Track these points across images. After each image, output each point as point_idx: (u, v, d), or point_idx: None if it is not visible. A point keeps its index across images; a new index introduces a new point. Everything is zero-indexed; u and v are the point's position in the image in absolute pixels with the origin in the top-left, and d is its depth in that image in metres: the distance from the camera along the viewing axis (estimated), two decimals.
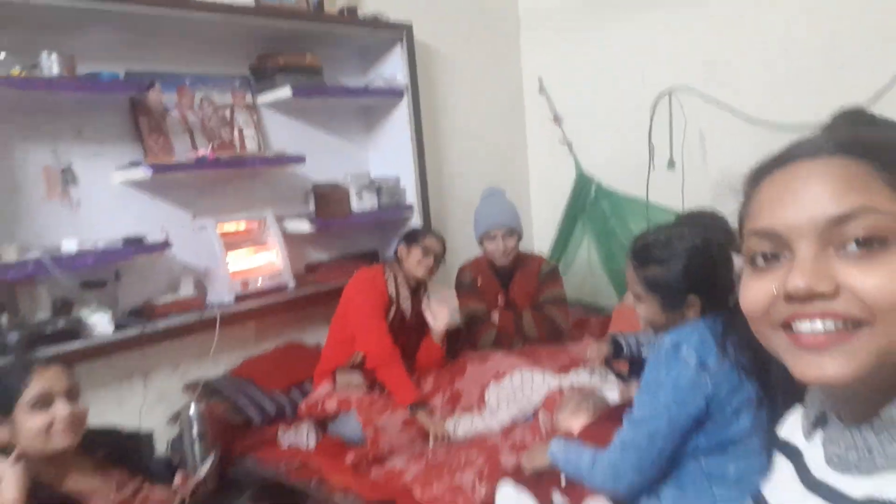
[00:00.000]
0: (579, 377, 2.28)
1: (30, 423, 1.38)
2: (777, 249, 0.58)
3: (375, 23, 2.74)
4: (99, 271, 2.13)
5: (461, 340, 2.71)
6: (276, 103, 2.62)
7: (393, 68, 2.92)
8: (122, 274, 2.21)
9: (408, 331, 2.50)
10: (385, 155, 3.04)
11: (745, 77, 2.83)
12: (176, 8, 2.16)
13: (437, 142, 3.19)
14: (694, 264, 1.43)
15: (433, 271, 2.52)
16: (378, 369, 2.30)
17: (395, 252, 2.56)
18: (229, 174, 2.51)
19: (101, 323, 2.05)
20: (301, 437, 2.29)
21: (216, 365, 2.45)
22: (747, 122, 2.77)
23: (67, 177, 2.11)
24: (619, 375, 2.29)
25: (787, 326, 0.57)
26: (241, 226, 2.52)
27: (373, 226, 3.06)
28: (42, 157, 2.08)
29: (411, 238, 2.52)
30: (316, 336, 2.75)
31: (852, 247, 0.54)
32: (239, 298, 2.39)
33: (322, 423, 2.34)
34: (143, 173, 2.14)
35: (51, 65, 1.93)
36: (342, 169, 2.88)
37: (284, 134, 2.71)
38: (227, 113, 2.49)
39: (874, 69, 2.46)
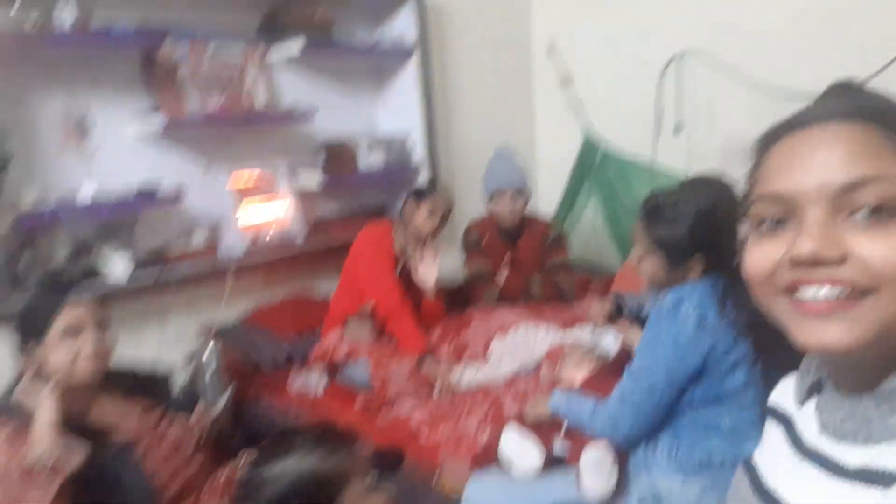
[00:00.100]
0: (582, 333, 2.35)
1: (59, 351, 1.44)
2: (785, 215, 0.58)
3: None
4: (116, 218, 2.17)
5: (464, 298, 2.77)
6: (287, 58, 2.63)
7: (403, 26, 2.91)
8: (137, 222, 2.26)
9: (414, 286, 2.56)
10: (394, 112, 3.05)
11: (755, 43, 2.82)
12: None
13: (445, 100, 3.20)
14: (700, 226, 1.47)
15: (440, 228, 2.57)
16: (388, 320, 2.37)
17: (402, 208, 2.60)
18: (240, 128, 2.53)
19: (117, 268, 2.11)
20: (311, 382, 2.38)
21: (228, 312, 2.52)
22: (756, 88, 2.78)
23: (83, 126, 2.13)
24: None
25: (790, 292, 0.57)
26: (253, 179, 2.55)
27: (381, 182, 3.09)
28: (58, 105, 2.11)
29: (418, 195, 2.55)
30: (324, 287, 2.82)
31: (862, 214, 0.54)
32: (250, 250, 2.45)
33: (331, 371, 2.42)
34: (156, 125, 2.17)
35: (65, 16, 1.93)
36: (351, 125, 2.90)
37: (294, 89, 2.72)
38: (238, 68, 2.50)
39: (887, 38, 2.45)
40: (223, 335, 2.41)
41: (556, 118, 3.62)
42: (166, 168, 2.34)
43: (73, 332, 1.46)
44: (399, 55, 2.90)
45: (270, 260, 2.51)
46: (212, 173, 2.44)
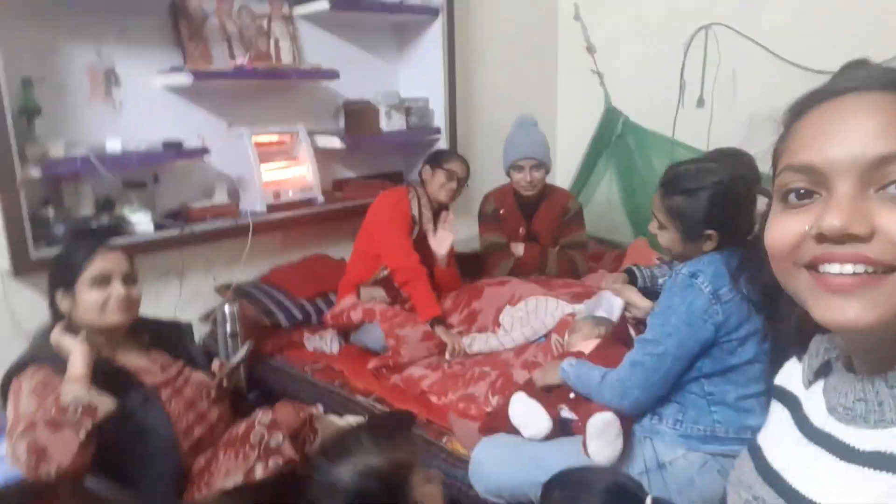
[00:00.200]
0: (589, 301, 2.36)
1: (88, 298, 1.50)
2: (813, 186, 0.56)
3: None
4: (139, 173, 2.21)
5: (478, 267, 2.79)
6: (312, 15, 2.62)
7: None
8: (161, 177, 2.30)
9: (428, 252, 2.57)
10: (415, 75, 3.04)
11: (782, 18, 2.78)
12: None
13: (467, 65, 3.18)
14: (717, 199, 1.47)
15: (456, 195, 2.58)
16: (405, 285, 2.41)
17: (420, 174, 2.61)
18: (264, 85, 2.54)
19: (142, 222, 2.15)
20: (325, 342, 2.44)
21: (247, 270, 2.57)
22: (781, 64, 2.74)
23: (110, 78, 2.15)
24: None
25: (812, 267, 0.55)
26: (275, 137, 2.57)
27: (400, 146, 3.10)
28: (86, 57, 2.12)
29: (436, 160, 2.56)
30: (340, 250, 2.85)
31: (893, 189, 0.52)
32: (270, 208, 2.48)
33: (345, 332, 2.48)
34: (183, 79, 2.18)
35: None
36: (372, 87, 2.89)
37: (318, 48, 2.71)
38: (265, 23, 2.50)
39: None
40: (242, 292, 2.47)
41: (578, 88, 3.59)
42: (191, 124, 2.36)
43: (104, 280, 1.51)
44: (424, 15, 2.87)
45: (290, 218, 2.54)
46: (235, 130, 2.46)
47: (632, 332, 1.88)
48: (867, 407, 0.57)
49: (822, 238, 0.54)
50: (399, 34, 3.02)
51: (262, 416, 1.54)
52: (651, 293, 2.19)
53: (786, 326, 0.69)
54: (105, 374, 1.45)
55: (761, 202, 1.50)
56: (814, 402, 0.63)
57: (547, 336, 2.29)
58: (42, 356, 1.46)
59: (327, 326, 2.49)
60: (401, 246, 2.44)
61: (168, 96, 2.32)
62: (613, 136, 3.43)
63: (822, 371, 0.64)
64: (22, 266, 1.93)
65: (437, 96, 2.98)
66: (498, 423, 1.75)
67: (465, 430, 1.86)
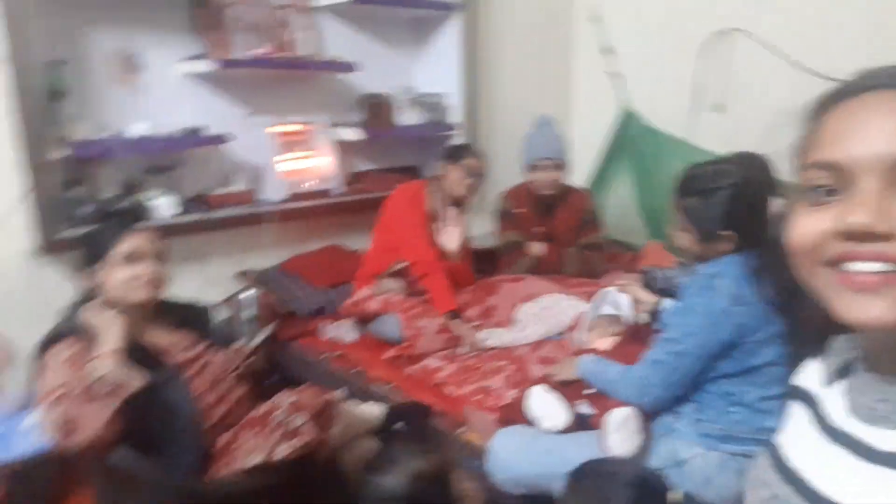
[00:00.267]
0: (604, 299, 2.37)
1: (117, 274, 1.53)
2: (837, 184, 0.55)
3: None
4: (161, 158, 2.23)
5: (494, 264, 2.80)
6: (332, 7, 2.64)
7: None
8: (182, 163, 2.32)
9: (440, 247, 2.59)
10: (432, 71, 3.06)
11: (801, 24, 2.77)
12: None
13: (483, 61, 3.18)
14: (732, 200, 1.48)
15: (473, 190, 2.59)
16: (422, 278, 2.43)
17: (438, 168, 2.63)
18: (284, 76, 2.56)
19: (164, 206, 2.17)
20: (342, 331, 2.45)
21: (265, 258, 2.59)
22: (799, 70, 2.75)
23: (135, 63, 2.17)
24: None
25: (834, 265, 0.55)
26: (294, 128, 2.59)
27: (415, 141, 3.11)
28: (113, 41, 2.15)
29: (453, 155, 2.56)
30: (357, 242, 2.87)
31: None
32: (288, 198, 2.50)
33: (361, 322, 2.49)
34: (205, 66, 2.21)
35: None
36: (389, 81, 2.91)
37: (337, 40, 2.73)
38: (285, 14, 2.52)
39: None
40: (260, 279, 2.49)
41: (594, 89, 3.59)
42: (212, 112, 2.38)
43: (134, 258, 1.54)
44: (443, 10, 2.89)
45: (307, 208, 2.56)
46: (255, 119, 2.48)
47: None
48: (890, 407, 0.57)
49: (846, 236, 0.53)
50: (417, 29, 3.04)
51: (285, 397, 1.56)
52: (667, 294, 2.21)
53: (804, 327, 0.69)
54: (132, 351, 1.47)
55: (775, 205, 1.51)
56: (834, 401, 0.63)
57: (563, 333, 2.31)
58: (76, 329, 1.49)
59: (344, 316, 2.50)
60: (419, 240, 2.46)
61: (190, 83, 2.35)
62: (629, 138, 3.44)
63: (843, 371, 0.64)
64: (49, 246, 1.96)
65: (453, 92, 3.00)
66: (515, 415, 1.76)
67: (482, 422, 1.87)
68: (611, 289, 2.08)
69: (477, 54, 3.03)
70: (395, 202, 2.54)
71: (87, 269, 1.56)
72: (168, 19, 2.26)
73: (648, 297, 1.98)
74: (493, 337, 2.35)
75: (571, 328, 2.28)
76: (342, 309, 2.51)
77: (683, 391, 1.53)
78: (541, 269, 2.67)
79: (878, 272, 0.52)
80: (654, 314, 1.93)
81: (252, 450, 1.50)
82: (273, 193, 2.47)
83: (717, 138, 3.00)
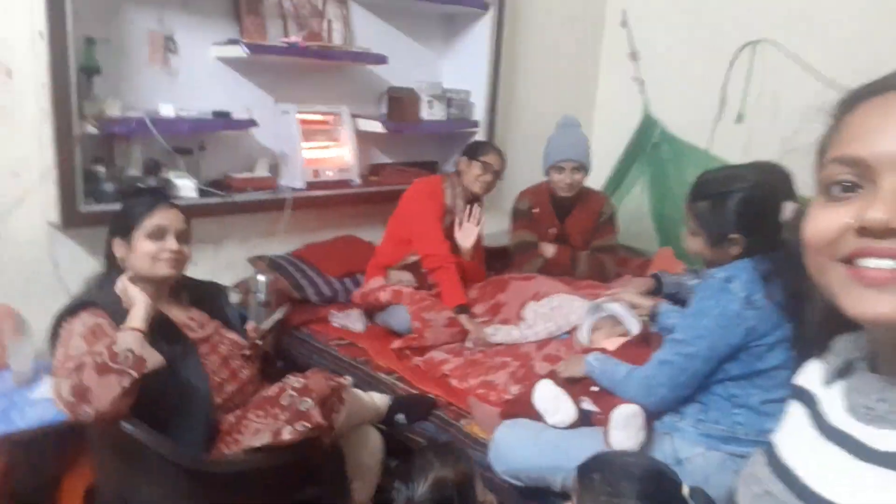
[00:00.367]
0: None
1: (142, 247, 1.57)
2: (859, 179, 0.55)
3: None
4: (187, 139, 2.27)
5: (506, 262, 2.82)
6: (367, 0, 2.67)
7: None
8: (207, 145, 2.36)
9: (454, 243, 2.59)
10: (459, 67, 3.08)
11: (829, 39, 2.76)
12: None
13: (511, 61, 3.20)
14: (741, 204, 1.49)
15: (490, 187, 2.61)
16: (434, 271, 2.45)
17: (456, 164, 2.65)
18: (313, 65, 2.59)
19: (186, 187, 2.21)
20: (351, 320, 2.48)
21: (279, 245, 2.63)
22: (824, 85, 2.73)
23: (169, 44, 2.22)
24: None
25: (848, 261, 0.55)
26: (319, 117, 2.62)
27: (437, 136, 3.14)
28: (148, 22, 2.19)
29: (472, 152, 2.59)
30: (371, 234, 2.90)
31: None
32: (309, 185, 2.53)
33: (370, 313, 2.52)
34: (238, 51, 2.24)
35: None
36: (416, 75, 2.94)
37: (368, 32, 2.76)
38: (320, 3, 2.56)
39: None
40: (274, 264, 2.52)
41: (617, 93, 3.60)
42: (240, 96, 2.43)
43: (160, 233, 1.58)
44: (475, 7, 2.91)
45: (327, 197, 2.59)
46: (281, 106, 2.52)
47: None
48: (889, 407, 0.56)
49: (863, 231, 0.53)
50: (447, 25, 3.07)
51: (293, 380, 1.59)
52: (677, 300, 2.22)
53: (811, 330, 0.69)
54: (153, 323, 1.50)
55: (788, 209, 1.51)
56: (832, 401, 0.63)
57: (570, 332, 2.32)
58: (97, 301, 1.52)
59: (354, 305, 2.53)
60: (433, 233, 2.48)
61: (221, 67, 2.39)
62: (649, 145, 3.44)
63: (844, 371, 0.64)
64: (70, 219, 2.01)
65: (478, 90, 3.02)
66: (518, 408, 1.78)
67: (485, 414, 1.89)
68: (602, 300, 2.09)
69: (505, 54, 3.05)
70: (412, 195, 2.56)
71: (114, 240, 1.60)
72: (206, 3, 2.31)
73: (645, 302, 1.99)
74: (501, 333, 2.36)
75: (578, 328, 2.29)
76: (352, 298, 2.55)
77: (689, 392, 1.55)
78: (552, 270, 2.68)
79: (891, 269, 0.52)
80: (652, 317, 1.94)
81: (259, 430, 1.54)
82: (293, 180, 2.51)
83: (737, 149, 3.00)
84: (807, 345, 0.71)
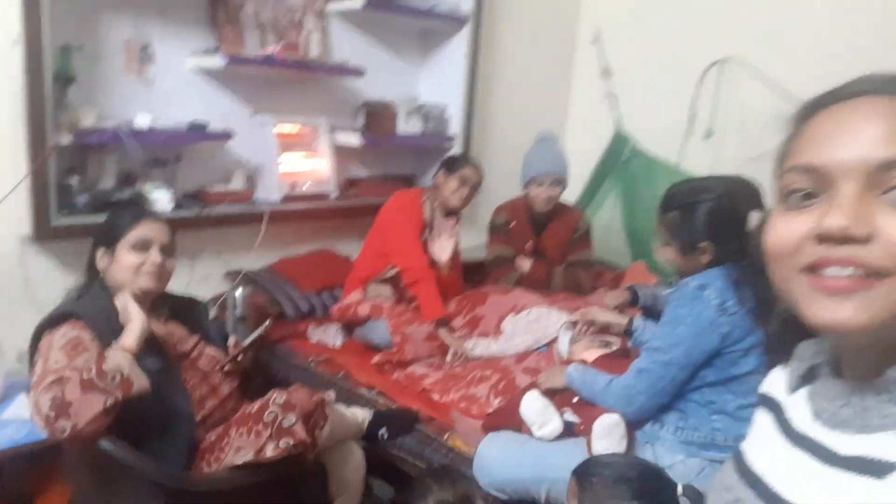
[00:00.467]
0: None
1: (125, 259, 1.54)
2: (816, 187, 0.56)
3: None
4: (162, 151, 2.24)
5: (483, 276, 2.83)
6: (345, 12, 2.67)
7: None
8: (183, 157, 2.32)
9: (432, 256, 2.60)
10: (435, 81, 3.10)
11: (797, 56, 2.84)
12: None
13: (486, 76, 3.23)
14: (711, 213, 1.54)
15: (468, 200, 2.63)
16: (412, 285, 2.45)
17: (434, 178, 2.66)
18: (290, 76, 2.58)
19: (161, 199, 2.17)
20: (329, 335, 2.46)
21: (256, 259, 2.59)
22: (792, 102, 2.82)
23: (146, 54, 2.18)
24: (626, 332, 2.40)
25: (810, 270, 0.55)
26: (296, 129, 2.61)
27: (414, 150, 3.15)
28: (125, 30, 2.15)
29: (450, 166, 2.59)
30: (348, 247, 2.88)
31: (894, 193, 0.53)
32: (285, 199, 2.51)
33: (348, 327, 2.50)
34: (217, 61, 2.23)
35: None
36: (393, 89, 2.95)
37: (345, 45, 2.76)
38: (298, 15, 2.55)
39: None
40: (250, 279, 2.49)
41: (590, 109, 3.66)
42: (217, 107, 2.40)
43: (144, 245, 1.55)
44: (451, 23, 2.94)
45: (303, 210, 2.57)
46: (258, 118, 2.50)
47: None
48: (852, 412, 0.57)
49: (822, 239, 0.54)
50: (424, 40, 3.09)
51: (276, 396, 1.57)
52: (653, 312, 2.26)
53: (772, 334, 0.71)
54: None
55: (753, 218, 1.56)
56: (798, 407, 0.64)
57: (548, 345, 2.34)
58: (78, 312, 1.48)
59: (332, 320, 2.51)
60: (411, 247, 2.48)
61: (198, 78, 2.36)
62: (620, 161, 3.50)
63: (808, 377, 0.65)
64: (43, 232, 1.95)
65: (454, 104, 3.04)
66: (501, 421, 1.79)
67: (468, 428, 1.89)
68: (575, 316, 2.14)
69: (480, 69, 3.08)
70: (390, 208, 2.56)
71: (98, 251, 1.57)
72: (182, 12, 2.28)
73: (618, 320, 2.02)
74: (480, 347, 2.37)
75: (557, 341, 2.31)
76: (331, 313, 2.52)
77: (668, 400, 1.58)
78: (528, 284, 2.70)
79: (850, 276, 0.53)
80: (628, 333, 1.97)
81: (241, 447, 1.51)
82: (269, 193, 2.48)
83: (706, 164, 3.08)
84: (778, 350, 0.71)
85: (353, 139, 2.73)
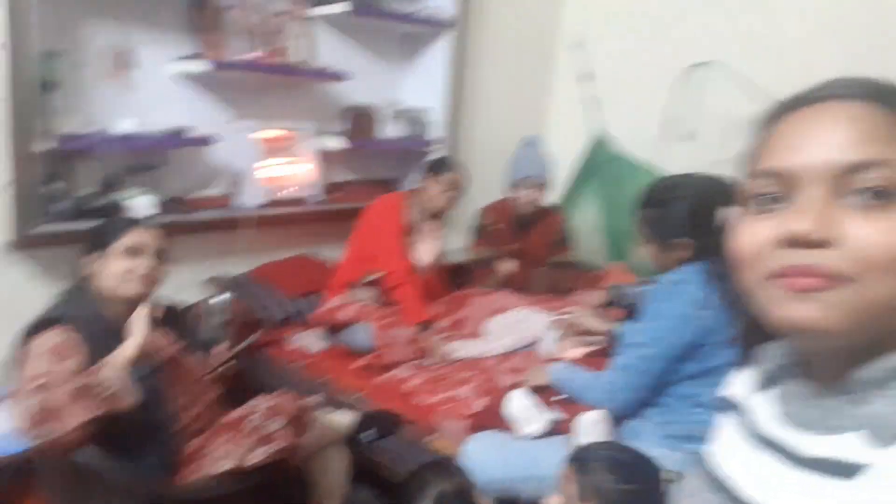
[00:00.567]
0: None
1: (115, 265, 1.53)
2: (782, 192, 0.56)
3: None
4: (144, 157, 2.23)
5: (466, 278, 2.85)
6: (328, 17, 2.68)
7: (439, 2, 2.97)
8: (164, 163, 2.32)
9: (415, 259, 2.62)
10: (417, 85, 3.12)
11: (778, 59, 2.87)
12: None
13: (468, 80, 3.25)
14: (686, 208, 1.56)
15: (451, 204, 2.65)
16: (395, 288, 2.46)
17: (419, 181, 2.67)
18: (274, 81, 2.58)
19: (143, 205, 2.17)
20: (310, 341, 2.46)
21: (237, 264, 2.59)
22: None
23: (128, 59, 2.18)
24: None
25: (775, 274, 0.55)
26: (279, 134, 2.61)
27: (397, 153, 3.16)
28: (108, 36, 2.14)
29: (435, 169, 2.61)
30: (330, 251, 2.88)
31: (860, 197, 0.52)
32: (267, 204, 2.51)
33: (330, 332, 2.50)
34: (200, 66, 2.22)
35: None
36: (376, 93, 2.96)
37: (329, 49, 2.77)
38: (282, 20, 2.56)
39: None
40: (229, 285, 2.48)
41: (569, 112, 3.69)
42: (200, 112, 2.39)
43: (135, 251, 1.55)
44: (433, 27, 2.97)
45: (285, 215, 2.57)
46: (240, 124, 2.50)
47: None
48: (819, 413, 0.57)
49: (788, 242, 0.54)
50: (406, 44, 3.11)
51: (261, 402, 1.58)
52: (635, 311, 2.28)
53: (739, 336, 0.71)
54: (119, 343, 1.47)
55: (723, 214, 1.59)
56: (763, 408, 0.64)
57: (531, 345, 2.36)
58: (68, 316, 1.47)
59: (313, 325, 2.51)
60: (395, 250, 2.49)
61: (181, 83, 2.35)
62: (601, 163, 3.54)
63: (774, 378, 0.65)
64: (25, 239, 1.94)
65: (436, 107, 3.06)
66: (486, 420, 1.81)
67: (453, 429, 1.91)
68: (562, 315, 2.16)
69: (462, 73, 3.10)
70: (373, 212, 2.57)
71: (89, 255, 1.56)
72: (165, 18, 2.27)
73: (600, 326, 2.05)
74: (463, 348, 2.39)
75: (540, 340, 2.34)
76: (313, 317, 2.52)
77: (650, 394, 1.60)
78: (510, 285, 2.73)
79: (815, 277, 0.53)
80: (611, 338, 1.99)
81: (224, 456, 1.51)
82: (250, 199, 2.48)
83: (686, 167, 3.10)
84: (749, 344, 0.71)
85: (335, 143, 2.73)
